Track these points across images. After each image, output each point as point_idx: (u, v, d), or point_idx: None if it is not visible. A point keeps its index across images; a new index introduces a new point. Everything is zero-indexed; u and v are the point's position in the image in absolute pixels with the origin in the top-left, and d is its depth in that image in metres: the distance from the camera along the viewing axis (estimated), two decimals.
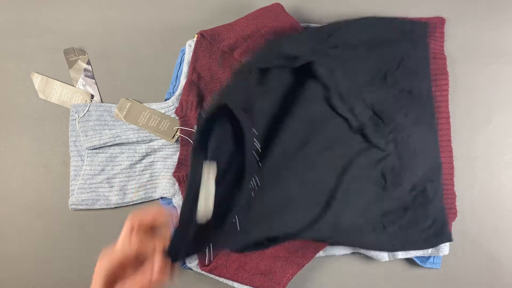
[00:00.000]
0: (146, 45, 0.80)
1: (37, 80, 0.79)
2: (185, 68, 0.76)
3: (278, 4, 0.75)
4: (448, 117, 0.76)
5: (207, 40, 0.75)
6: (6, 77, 0.80)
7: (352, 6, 0.80)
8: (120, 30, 0.81)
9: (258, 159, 0.63)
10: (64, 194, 0.78)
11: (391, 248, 0.71)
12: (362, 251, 0.74)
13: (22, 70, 0.80)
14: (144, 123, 0.77)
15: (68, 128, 0.78)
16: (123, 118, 0.77)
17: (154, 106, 0.77)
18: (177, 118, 0.77)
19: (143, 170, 0.77)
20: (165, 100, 0.78)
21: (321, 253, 0.75)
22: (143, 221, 0.51)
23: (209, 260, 0.71)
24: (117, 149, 0.77)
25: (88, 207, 0.77)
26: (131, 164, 0.77)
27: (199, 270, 0.73)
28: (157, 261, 0.50)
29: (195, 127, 0.74)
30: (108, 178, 0.77)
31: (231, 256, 0.72)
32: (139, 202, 0.77)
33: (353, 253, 0.76)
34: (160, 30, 0.81)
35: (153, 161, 0.77)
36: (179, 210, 0.75)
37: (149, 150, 0.77)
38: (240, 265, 0.72)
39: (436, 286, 0.78)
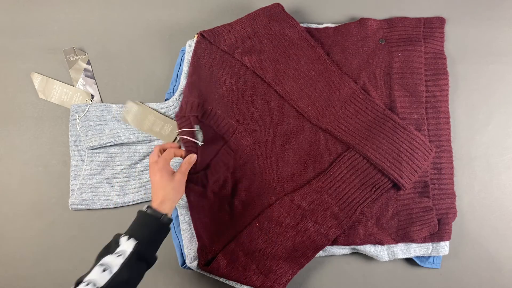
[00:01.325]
0: (146, 45, 0.81)
1: (37, 80, 0.79)
2: (185, 68, 0.76)
3: (278, 4, 0.75)
4: (448, 117, 0.76)
5: (207, 40, 0.75)
6: (6, 77, 0.80)
7: (351, 6, 0.80)
8: (120, 30, 0.81)
9: None
10: (64, 194, 0.78)
11: None
12: (362, 251, 0.75)
13: (22, 70, 0.80)
14: (148, 127, 0.77)
15: (68, 128, 0.78)
16: (129, 122, 0.76)
17: (154, 106, 0.77)
18: None
19: (143, 170, 0.77)
20: (165, 100, 0.78)
21: (321, 253, 0.75)
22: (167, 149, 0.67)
23: None
24: (117, 149, 0.77)
25: (88, 207, 0.76)
26: (131, 164, 0.77)
27: (199, 270, 0.73)
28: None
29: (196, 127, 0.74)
30: (108, 178, 0.77)
31: (231, 256, 0.72)
32: (139, 202, 0.77)
33: (353, 253, 0.76)
34: (160, 30, 0.81)
35: None
36: (179, 210, 0.75)
37: (150, 150, 0.77)
38: (240, 265, 0.72)
39: (436, 286, 0.78)
